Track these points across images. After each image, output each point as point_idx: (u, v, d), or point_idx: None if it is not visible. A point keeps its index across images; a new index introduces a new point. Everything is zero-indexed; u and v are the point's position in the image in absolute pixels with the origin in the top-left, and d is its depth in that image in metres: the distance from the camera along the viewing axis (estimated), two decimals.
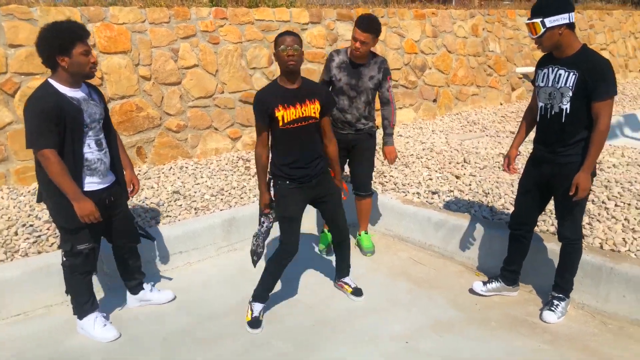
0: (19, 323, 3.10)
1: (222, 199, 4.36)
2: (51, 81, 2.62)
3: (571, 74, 2.60)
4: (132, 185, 3.11)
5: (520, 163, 4.59)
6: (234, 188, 4.62)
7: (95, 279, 3.38)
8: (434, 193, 4.32)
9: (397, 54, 7.28)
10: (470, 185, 4.42)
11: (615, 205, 3.67)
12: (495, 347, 2.74)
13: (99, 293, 3.42)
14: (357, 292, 3.32)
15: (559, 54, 2.67)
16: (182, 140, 5.55)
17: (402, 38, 7.35)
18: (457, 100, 8.06)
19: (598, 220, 3.48)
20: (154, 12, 5.32)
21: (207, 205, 4.23)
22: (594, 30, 10.29)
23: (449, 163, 5.07)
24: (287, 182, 2.91)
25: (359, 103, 3.61)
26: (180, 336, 2.96)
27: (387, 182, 4.70)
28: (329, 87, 3.73)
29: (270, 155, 2.95)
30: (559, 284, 2.96)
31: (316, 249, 4.08)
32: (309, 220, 4.45)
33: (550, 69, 2.70)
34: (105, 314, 3.07)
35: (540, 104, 2.79)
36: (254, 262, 3.08)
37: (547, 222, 3.55)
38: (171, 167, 5.20)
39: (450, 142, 5.94)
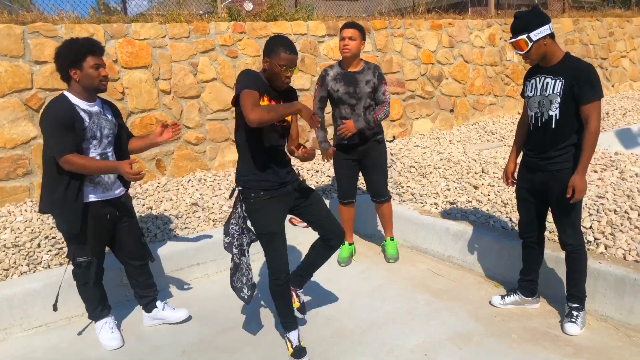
0: (40, 334, 3.16)
1: None
2: (66, 93, 2.75)
3: (557, 81, 2.71)
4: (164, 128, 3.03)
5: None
6: None
7: (113, 289, 3.44)
8: (451, 204, 4.29)
9: (413, 64, 7.29)
10: (488, 195, 4.38)
11: (639, 215, 3.60)
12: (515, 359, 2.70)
13: (119, 303, 3.47)
14: (302, 309, 2.92)
15: (544, 64, 2.79)
16: (200, 153, 5.62)
17: (418, 49, 7.36)
18: (474, 110, 8.01)
19: (621, 230, 3.41)
20: (174, 27, 5.43)
21: (225, 216, 4.26)
22: (613, 37, 10.16)
23: (467, 173, 5.04)
24: (261, 192, 2.62)
25: (359, 109, 3.68)
26: (200, 347, 2.98)
27: (404, 192, 4.68)
28: (326, 102, 3.81)
29: (238, 166, 2.71)
30: (573, 294, 2.92)
31: (334, 259, 4.08)
32: None
33: (538, 79, 2.81)
34: (116, 322, 3.12)
35: (531, 113, 2.87)
36: (246, 299, 2.79)
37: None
38: (190, 179, 5.27)
39: (467, 152, 5.90)
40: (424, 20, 7.52)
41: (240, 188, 2.68)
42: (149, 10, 7.21)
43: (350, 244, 4.08)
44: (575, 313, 2.90)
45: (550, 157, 2.79)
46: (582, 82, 2.62)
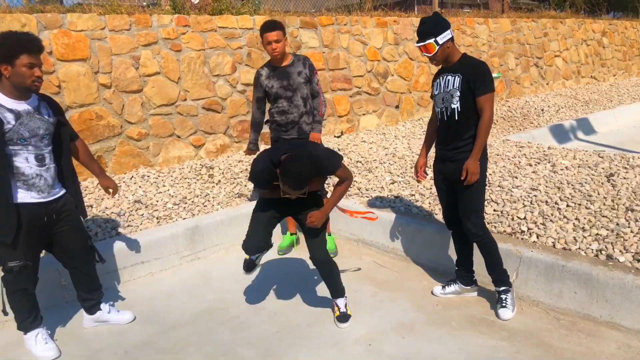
0: None
1: (185, 208, 4.32)
2: None
3: (456, 77, 2.96)
4: (109, 190, 3.10)
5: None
6: (197, 196, 4.58)
7: (51, 291, 3.30)
8: (396, 197, 4.40)
9: (360, 61, 7.39)
10: (431, 189, 4.52)
11: (567, 205, 3.83)
12: (455, 346, 2.81)
13: (57, 306, 3.34)
14: (341, 318, 3.07)
15: (446, 64, 3.05)
16: (143, 149, 5.47)
17: (364, 45, 7.47)
18: (418, 106, 8.22)
19: (551, 220, 3.62)
20: (114, 19, 5.25)
21: (169, 214, 4.18)
22: (548, 38, 10.69)
23: (411, 168, 5.18)
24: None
25: (297, 100, 3.77)
26: (143, 348, 2.91)
27: (351, 187, 4.75)
28: (264, 102, 3.88)
29: None
30: (496, 279, 3.11)
31: (279, 253, 4.09)
32: None
33: (441, 78, 3.07)
34: (49, 332, 2.95)
35: (437, 109, 3.11)
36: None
37: (503, 224, 3.67)
38: (132, 176, 5.12)
39: (412, 147, 6.06)
40: (370, 18, 7.63)
41: None
42: (87, 0, 6.92)
43: (292, 234, 4.18)
44: (503, 297, 3.07)
45: (456, 147, 3.02)
46: (476, 77, 2.89)
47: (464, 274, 3.30)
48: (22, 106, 2.61)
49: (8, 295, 2.77)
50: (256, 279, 3.71)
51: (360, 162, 5.48)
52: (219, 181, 5.00)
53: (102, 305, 3.14)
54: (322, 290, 3.51)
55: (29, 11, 4.97)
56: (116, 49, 5.24)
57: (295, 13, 7.45)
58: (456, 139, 3.00)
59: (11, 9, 5.00)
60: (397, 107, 7.91)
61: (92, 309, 3.10)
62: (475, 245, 3.23)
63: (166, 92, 5.58)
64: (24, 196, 2.66)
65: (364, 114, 7.46)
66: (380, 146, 6.19)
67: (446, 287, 3.35)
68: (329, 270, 3.03)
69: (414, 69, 8.12)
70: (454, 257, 3.54)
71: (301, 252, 4.18)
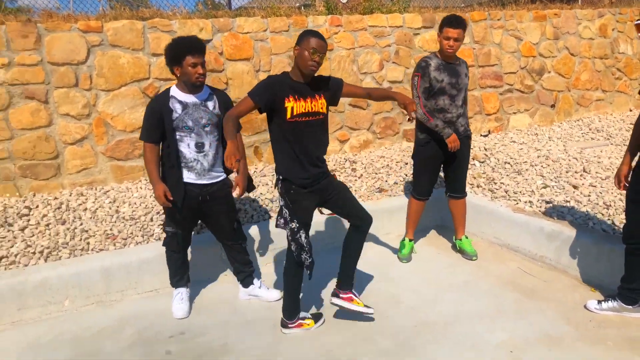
0: (150, 298, 3.54)
1: None
2: (172, 87, 3.11)
3: None
4: (236, 187, 3.27)
5: None
6: None
7: (214, 265, 3.74)
8: (547, 202, 4.13)
9: (513, 57, 7.00)
10: (589, 196, 4.16)
11: None
12: None
13: (218, 278, 3.77)
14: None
15: None
16: None
17: (519, 41, 7.05)
18: (578, 105, 7.53)
19: None
20: (275, 21, 5.69)
21: None
22: None
23: (566, 172, 4.80)
24: (294, 186, 2.81)
25: (459, 100, 3.67)
26: None
27: (497, 189, 4.57)
28: (429, 93, 3.62)
29: (276, 155, 2.88)
30: None
31: (416, 249, 4.11)
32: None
33: None
34: (190, 294, 3.42)
35: None
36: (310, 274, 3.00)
37: None
38: None
39: (568, 150, 5.60)
40: (527, 11, 7.17)
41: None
42: (250, 4, 7.58)
43: (410, 240, 4.04)
44: None
45: None
46: None
47: (628, 293, 2.99)
48: (190, 99, 3.10)
49: (166, 254, 3.37)
50: (392, 273, 3.78)
51: (509, 163, 5.23)
52: (361, 175, 5.16)
53: (255, 281, 3.49)
54: (462, 292, 3.47)
55: (204, 16, 5.62)
56: (275, 49, 5.68)
57: (445, 9, 7.31)
58: None
59: (190, 15, 5.69)
60: (552, 106, 7.34)
61: (245, 281, 3.47)
62: None
63: None
64: (186, 177, 3.14)
65: (514, 113, 7.06)
66: (532, 147, 5.83)
67: (603, 302, 3.07)
68: (362, 243, 3.03)
69: (574, 66, 7.45)
70: (612, 271, 3.24)
71: (440, 252, 4.15)
